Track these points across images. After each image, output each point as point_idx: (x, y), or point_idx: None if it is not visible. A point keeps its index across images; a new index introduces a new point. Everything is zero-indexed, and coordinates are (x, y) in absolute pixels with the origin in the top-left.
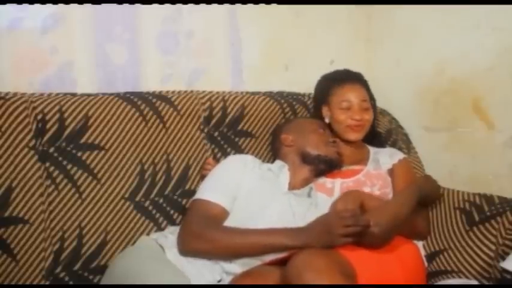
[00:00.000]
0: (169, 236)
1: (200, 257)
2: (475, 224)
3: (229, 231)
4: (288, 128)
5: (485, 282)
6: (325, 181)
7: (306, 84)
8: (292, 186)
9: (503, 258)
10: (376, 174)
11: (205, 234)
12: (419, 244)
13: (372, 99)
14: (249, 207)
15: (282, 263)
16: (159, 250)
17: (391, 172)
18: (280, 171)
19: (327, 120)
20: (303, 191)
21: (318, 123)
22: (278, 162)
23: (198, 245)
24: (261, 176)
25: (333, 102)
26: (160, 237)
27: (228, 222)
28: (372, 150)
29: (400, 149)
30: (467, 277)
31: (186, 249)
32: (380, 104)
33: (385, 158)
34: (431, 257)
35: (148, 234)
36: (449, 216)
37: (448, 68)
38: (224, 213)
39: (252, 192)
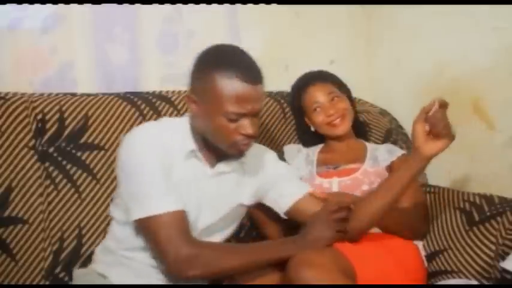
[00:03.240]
0: (103, 257)
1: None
2: (475, 224)
3: (227, 251)
4: (198, 84)
5: (485, 282)
6: (322, 181)
7: None
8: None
9: (503, 258)
10: (373, 171)
11: (200, 257)
12: (420, 244)
13: (343, 89)
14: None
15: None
16: (101, 280)
17: (389, 169)
18: (195, 155)
19: (312, 129)
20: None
21: (242, 95)
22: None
23: (198, 271)
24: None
25: (306, 110)
26: (95, 268)
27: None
28: (369, 146)
29: (400, 148)
30: (467, 277)
31: (185, 277)
32: (380, 104)
33: (384, 154)
34: (431, 257)
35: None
36: (449, 216)
37: (448, 68)
38: (187, 217)
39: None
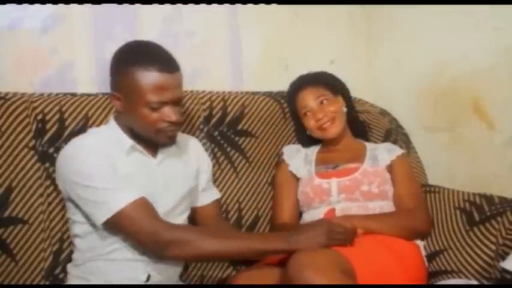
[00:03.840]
0: (77, 272)
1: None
2: (475, 223)
3: (210, 235)
4: (119, 81)
5: (485, 282)
6: (321, 182)
7: None
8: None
9: (504, 258)
10: (373, 171)
11: (182, 240)
12: (421, 244)
13: (338, 90)
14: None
15: (281, 263)
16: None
17: (389, 168)
18: (136, 148)
19: (308, 133)
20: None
21: (160, 84)
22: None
23: (177, 252)
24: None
25: (298, 115)
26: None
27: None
28: (369, 146)
29: (400, 148)
30: (467, 277)
31: (166, 257)
32: (380, 103)
33: (383, 154)
34: (431, 257)
35: None
36: (449, 216)
37: (448, 67)
38: (149, 201)
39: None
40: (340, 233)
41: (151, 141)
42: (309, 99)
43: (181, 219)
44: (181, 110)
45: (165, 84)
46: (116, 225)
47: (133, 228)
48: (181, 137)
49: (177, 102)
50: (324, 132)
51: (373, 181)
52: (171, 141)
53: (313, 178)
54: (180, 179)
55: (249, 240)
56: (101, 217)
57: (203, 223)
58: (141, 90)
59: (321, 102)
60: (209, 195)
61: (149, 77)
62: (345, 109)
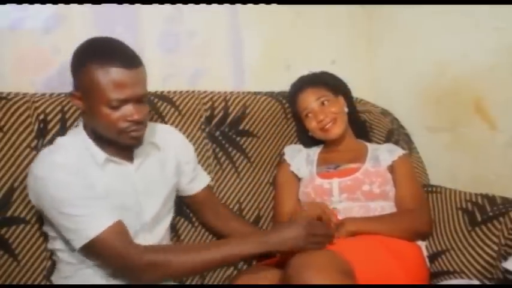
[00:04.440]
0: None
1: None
2: (477, 224)
3: (187, 251)
4: (78, 79)
5: (488, 283)
6: (323, 182)
7: None
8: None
9: (506, 259)
10: (374, 171)
11: (157, 263)
12: (423, 245)
13: (339, 90)
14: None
15: (279, 263)
16: None
17: (391, 169)
18: (111, 160)
19: (310, 134)
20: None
21: (119, 80)
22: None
23: (156, 276)
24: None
25: (300, 116)
26: None
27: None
28: (370, 146)
29: (401, 149)
30: (469, 277)
31: (147, 281)
32: (381, 103)
33: (385, 154)
34: (433, 257)
35: None
36: (451, 216)
37: (449, 68)
38: (124, 225)
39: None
40: (319, 236)
41: (116, 143)
42: (310, 100)
43: (166, 221)
44: (147, 109)
45: (124, 81)
46: (92, 252)
47: (109, 253)
48: (156, 131)
49: (139, 99)
50: (326, 133)
51: (375, 181)
52: (136, 142)
53: (315, 178)
54: (160, 181)
55: (221, 247)
56: (78, 243)
57: (203, 213)
58: (99, 87)
59: (322, 103)
60: (200, 181)
61: (107, 74)
62: (346, 109)
